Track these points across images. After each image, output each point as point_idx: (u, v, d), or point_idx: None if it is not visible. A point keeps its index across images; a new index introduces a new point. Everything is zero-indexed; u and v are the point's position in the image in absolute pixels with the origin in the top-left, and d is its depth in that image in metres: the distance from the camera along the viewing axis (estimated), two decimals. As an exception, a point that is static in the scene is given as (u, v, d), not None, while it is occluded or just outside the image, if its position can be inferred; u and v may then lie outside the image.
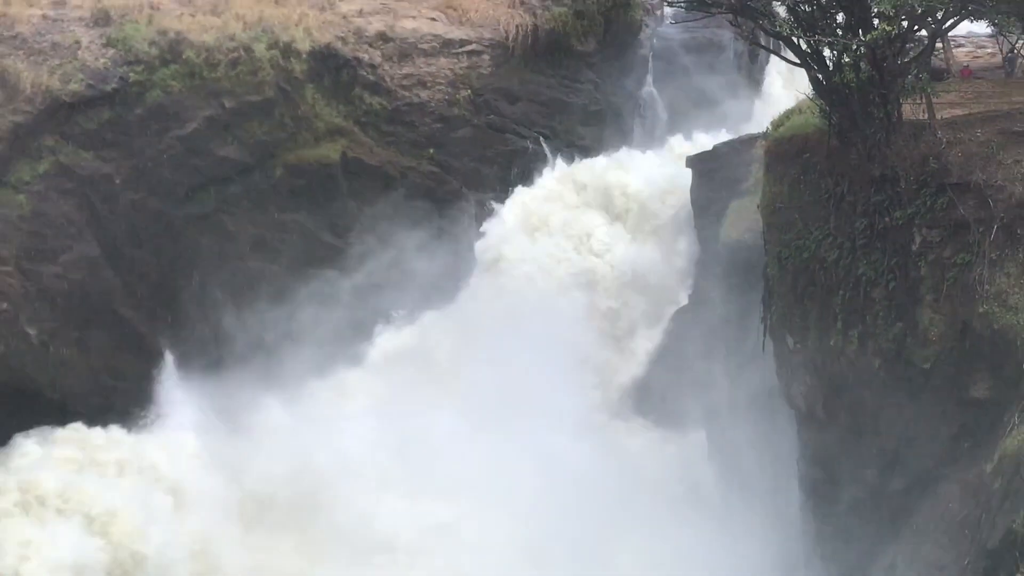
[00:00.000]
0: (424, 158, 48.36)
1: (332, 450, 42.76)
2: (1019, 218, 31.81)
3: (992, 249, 32.41)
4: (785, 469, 39.90)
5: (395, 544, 41.79)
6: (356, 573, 41.20)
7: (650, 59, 52.80)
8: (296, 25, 46.11)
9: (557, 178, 50.41)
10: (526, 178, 50.06)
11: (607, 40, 52.08)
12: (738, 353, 42.38)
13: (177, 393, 43.68)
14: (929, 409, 33.77)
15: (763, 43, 39.07)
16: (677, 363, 45.59)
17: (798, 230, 36.93)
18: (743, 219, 42.96)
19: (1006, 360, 30.65)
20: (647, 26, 53.43)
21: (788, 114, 39.77)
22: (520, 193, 49.91)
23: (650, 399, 46.50)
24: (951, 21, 34.28)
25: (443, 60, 48.25)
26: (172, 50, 43.98)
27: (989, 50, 44.59)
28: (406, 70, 47.71)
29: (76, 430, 41.68)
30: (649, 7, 53.49)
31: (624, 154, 51.49)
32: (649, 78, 52.48)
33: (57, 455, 41.00)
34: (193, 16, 44.63)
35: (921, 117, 33.97)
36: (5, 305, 40.40)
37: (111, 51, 43.18)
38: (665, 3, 50.47)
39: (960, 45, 44.21)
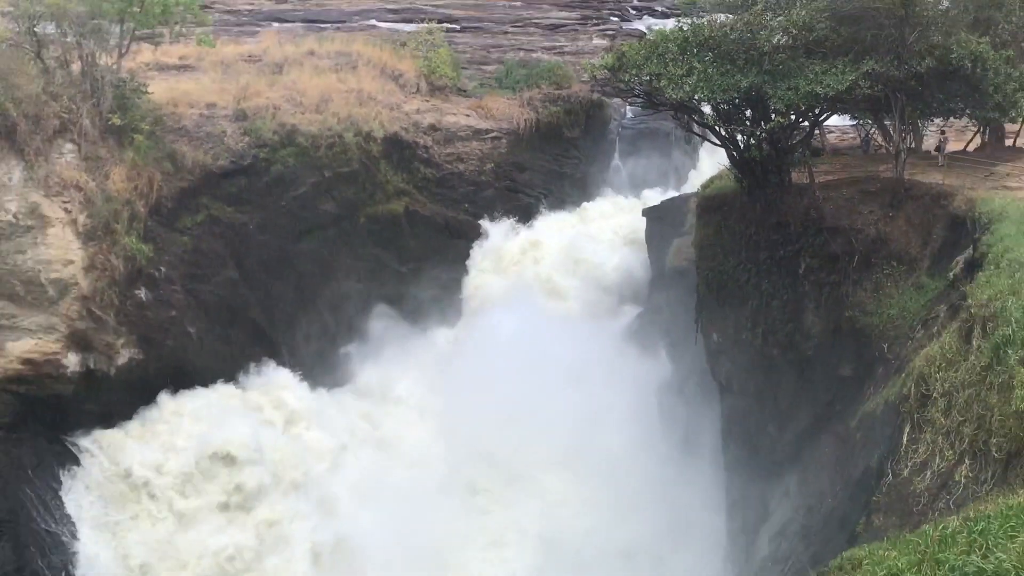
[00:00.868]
0: (462, 210, 49.98)
1: None
2: (873, 251, 32.92)
3: (854, 273, 33.77)
4: (711, 425, 40.16)
5: None
6: None
7: (617, 141, 53.35)
8: (374, 119, 47.53)
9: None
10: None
11: (587, 128, 53.09)
12: (680, 344, 43.60)
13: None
14: (811, 383, 35.26)
15: (695, 131, 39.15)
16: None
17: (720, 259, 37.99)
18: (682, 252, 44.41)
19: (865, 349, 32.12)
20: (614, 119, 53.90)
21: (713, 179, 41.15)
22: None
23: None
24: (825, 115, 34.86)
25: (474, 143, 49.52)
26: (288, 137, 45.39)
27: (851, 135, 44.71)
28: (449, 150, 49.15)
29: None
30: (615, 106, 53.59)
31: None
32: (616, 155, 52.97)
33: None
34: (303, 114, 46.18)
35: (805, 181, 34.69)
36: (174, 312, 41.65)
37: (247, 138, 44.56)
38: (627, 103, 50.47)
39: (831, 131, 44.40)
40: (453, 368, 45.86)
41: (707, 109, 35.51)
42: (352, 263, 46.34)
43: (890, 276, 32.54)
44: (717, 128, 35.83)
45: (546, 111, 51.48)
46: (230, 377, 42.74)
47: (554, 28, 66.90)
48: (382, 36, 57.53)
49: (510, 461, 42.92)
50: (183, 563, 38.12)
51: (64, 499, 37.34)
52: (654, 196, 50.10)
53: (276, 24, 61.96)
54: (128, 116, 39.10)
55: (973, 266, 27.04)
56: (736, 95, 33.22)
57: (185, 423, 40.54)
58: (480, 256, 49.50)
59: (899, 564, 13.55)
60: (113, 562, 37.18)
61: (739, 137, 35.60)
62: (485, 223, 49.73)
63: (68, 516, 37.10)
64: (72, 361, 37.85)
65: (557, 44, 62.22)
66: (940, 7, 34.27)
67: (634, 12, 73.89)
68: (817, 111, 34.75)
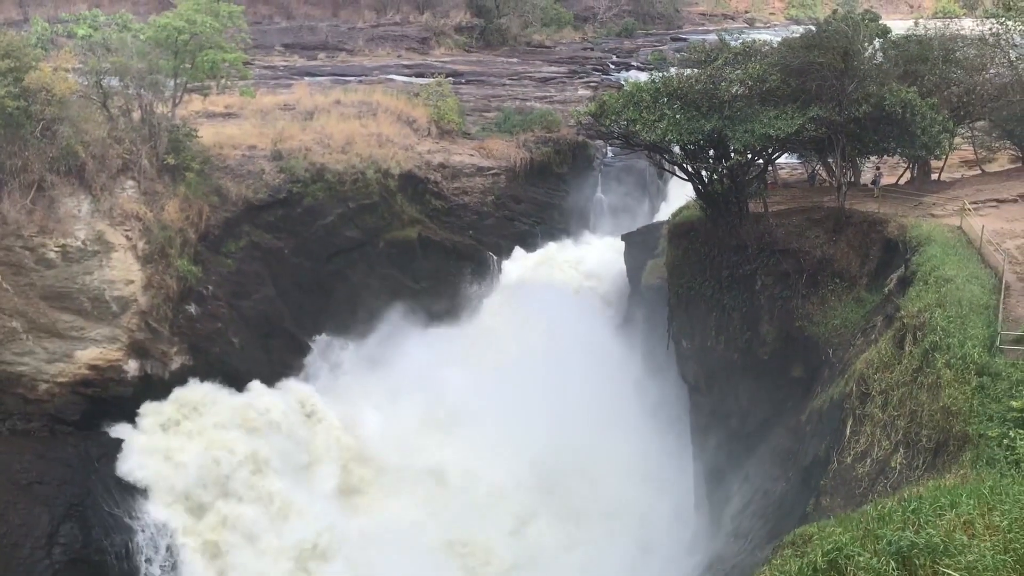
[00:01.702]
0: (467, 236, 49.74)
1: None
2: (819, 270, 32.82)
3: (803, 288, 33.72)
4: (681, 420, 39.59)
5: None
6: None
7: (599, 177, 53.28)
8: (391, 159, 47.64)
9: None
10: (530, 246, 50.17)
11: (574, 166, 53.49)
12: (654, 350, 43.00)
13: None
14: (767, 383, 35.01)
15: (666, 168, 39.05)
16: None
17: (688, 278, 37.85)
18: (656, 271, 44.39)
19: (813, 354, 31.90)
20: (597, 158, 53.96)
21: (681, 209, 41.14)
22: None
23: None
24: (777, 154, 34.80)
25: (478, 179, 49.72)
26: (318, 174, 45.40)
27: (799, 170, 44.66)
28: (456, 184, 49.34)
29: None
30: (598, 147, 53.63)
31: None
32: (599, 188, 52.91)
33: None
34: (331, 154, 46.27)
35: (760, 210, 34.54)
36: (219, 324, 41.81)
37: (282, 175, 44.67)
38: (607, 145, 50.48)
39: (782, 168, 44.40)
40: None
41: (676, 149, 35.51)
42: (373, 281, 46.09)
43: (834, 291, 32.58)
44: (685, 165, 35.96)
45: (538, 151, 51.58)
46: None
47: (545, 81, 67.08)
48: (398, 88, 57.69)
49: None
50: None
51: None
52: (632, 224, 50.15)
53: (308, 78, 62.07)
54: (181, 156, 39.39)
55: (905, 282, 27.27)
56: (701, 137, 33.29)
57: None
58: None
59: (843, 539, 13.56)
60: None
61: (703, 173, 35.70)
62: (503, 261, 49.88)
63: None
64: (132, 367, 38.04)
65: (548, 94, 62.37)
66: (875, 61, 34.46)
67: (613, 67, 74.25)
68: (770, 150, 34.84)
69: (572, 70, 71.52)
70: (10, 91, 33.45)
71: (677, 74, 34.42)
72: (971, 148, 43.83)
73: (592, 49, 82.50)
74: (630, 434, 42.17)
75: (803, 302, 33.50)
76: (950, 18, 47.01)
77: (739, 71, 33.16)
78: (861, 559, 12.72)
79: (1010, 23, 37.15)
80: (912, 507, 14.11)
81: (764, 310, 35.22)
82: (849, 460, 23.50)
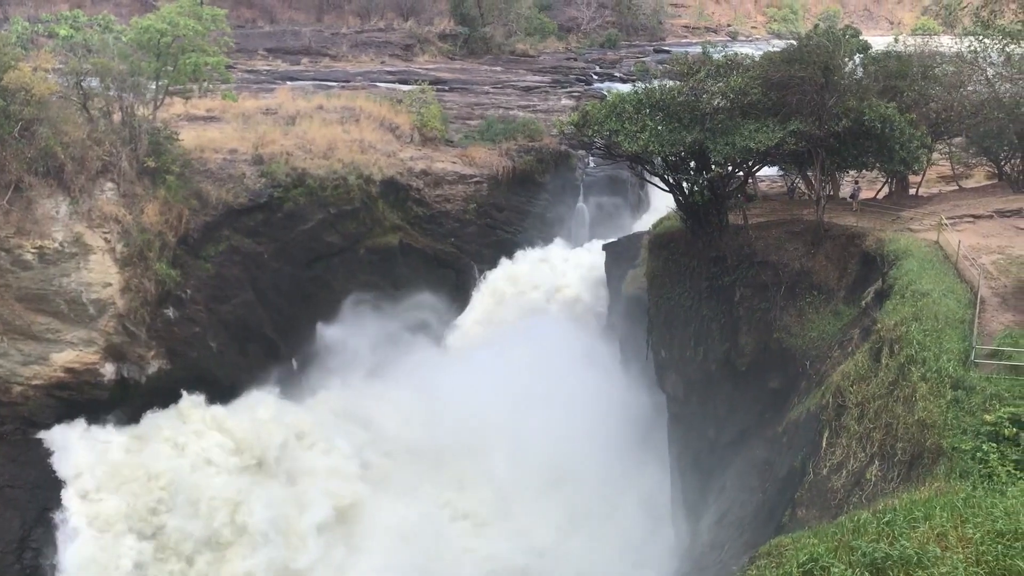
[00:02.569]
0: (448, 244, 49.78)
1: None
2: (797, 282, 32.99)
3: (781, 300, 33.82)
4: (660, 429, 39.59)
5: None
6: None
7: (581, 187, 53.27)
8: (373, 165, 47.44)
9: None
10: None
11: (556, 175, 53.10)
12: (633, 359, 42.75)
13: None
14: (744, 394, 35.02)
15: (647, 178, 39.15)
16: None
17: (668, 288, 37.88)
18: (636, 281, 44.45)
19: (790, 366, 32.03)
20: (579, 168, 53.88)
21: (662, 220, 41.21)
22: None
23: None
24: (757, 166, 34.99)
25: (460, 186, 49.50)
26: (299, 179, 45.10)
27: (778, 183, 44.89)
28: (438, 192, 49.17)
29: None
30: (579, 157, 53.70)
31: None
32: (580, 198, 52.92)
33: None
34: (312, 159, 45.98)
35: (740, 222, 34.65)
36: (198, 329, 41.51)
37: (263, 179, 44.34)
38: (589, 154, 50.55)
39: (762, 180, 44.65)
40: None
41: (658, 160, 35.60)
42: (353, 287, 45.91)
43: (812, 304, 32.67)
44: (666, 176, 36.02)
45: (521, 160, 51.48)
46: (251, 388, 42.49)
47: (528, 90, 67.24)
48: (381, 94, 57.57)
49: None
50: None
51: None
52: (612, 234, 50.15)
53: (290, 82, 61.94)
54: (161, 159, 39.12)
55: (882, 296, 27.42)
56: (682, 149, 33.42)
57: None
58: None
59: (819, 550, 13.62)
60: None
61: (684, 184, 35.76)
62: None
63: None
64: (108, 370, 37.68)
65: (531, 103, 62.49)
66: (855, 77, 34.74)
67: (596, 77, 74.52)
68: (750, 163, 34.96)
69: (555, 80, 71.78)
70: (-11, 90, 33.24)
71: (660, 86, 34.53)
72: (948, 164, 44.30)
73: (575, 59, 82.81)
74: (608, 443, 42.05)
75: (781, 314, 33.57)
76: (929, 35, 47.55)
77: (721, 84, 33.24)
78: (836, 570, 12.75)
79: (987, 41, 37.59)
80: (887, 519, 14.19)
81: (743, 321, 35.29)
82: (825, 472, 23.56)
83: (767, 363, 34.06)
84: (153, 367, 38.98)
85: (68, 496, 36.23)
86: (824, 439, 24.71)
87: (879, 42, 41.55)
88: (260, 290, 43.23)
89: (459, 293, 49.38)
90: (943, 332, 22.19)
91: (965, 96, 38.27)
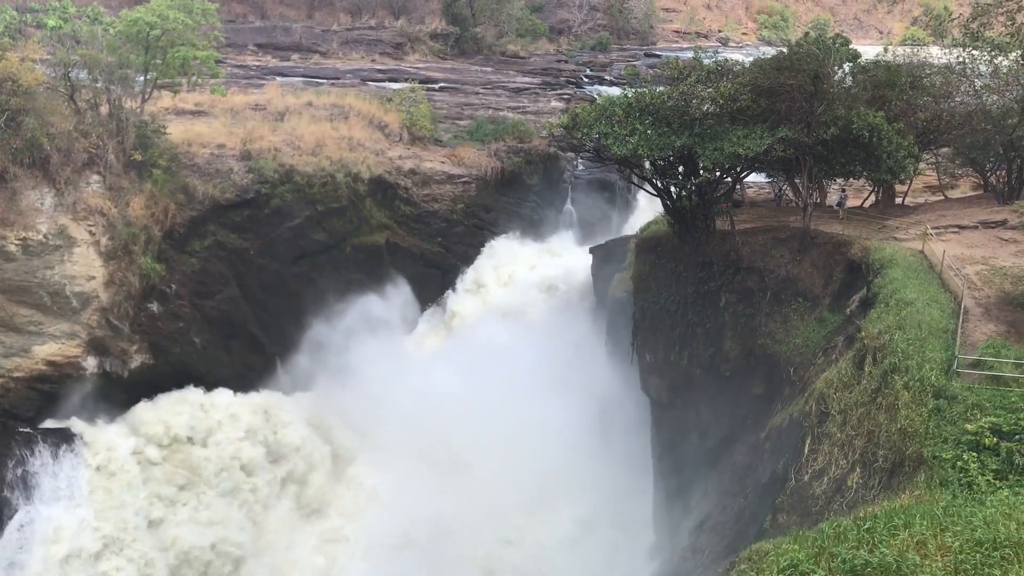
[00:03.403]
0: (435, 243, 49.64)
1: None
2: (783, 289, 33.01)
3: (767, 306, 33.87)
4: (643, 432, 39.66)
5: None
6: None
7: (569, 189, 53.39)
8: (362, 163, 47.19)
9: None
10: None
11: (544, 177, 53.34)
12: (617, 363, 43.13)
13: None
14: (728, 399, 34.98)
15: (635, 182, 39.28)
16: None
17: (654, 292, 37.87)
18: (622, 284, 44.43)
19: (774, 372, 32.02)
20: (567, 170, 53.98)
21: (649, 224, 41.20)
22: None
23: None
24: (745, 173, 35.07)
25: (448, 186, 49.33)
26: (287, 176, 44.83)
27: (766, 190, 45.01)
28: (426, 191, 49.01)
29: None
30: (568, 159, 53.70)
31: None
32: (568, 200, 52.90)
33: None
34: (301, 156, 45.72)
35: (727, 228, 34.71)
36: (181, 324, 41.27)
37: (251, 175, 44.04)
38: (578, 157, 50.57)
39: (750, 186, 44.82)
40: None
41: (646, 164, 35.67)
42: (339, 285, 45.60)
43: (797, 310, 32.81)
44: (654, 180, 36.10)
45: (510, 161, 51.48)
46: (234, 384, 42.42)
47: (518, 91, 67.15)
48: (371, 92, 57.36)
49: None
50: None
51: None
52: (599, 237, 50.21)
53: (280, 78, 61.59)
54: (148, 153, 38.90)
55: (867, 304, 27.60)
56: (671, 153, 33.52)
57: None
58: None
59: (799, 556, 13.68)
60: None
61: (672, 189, 35.88)
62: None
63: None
64: (91, 364, 37.48)
65: (521, 104, 62.38)
66: (844, 85, 34.89)
67: (587, 80, 74.51)
68: (738, 169, 35.07)
69: (545, 81, 71.67)
70: (-26, 80, 32.97)
71: (649, 90, 34.58)
72: (935, 174, 44.55)
73: (566, 61, 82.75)
74: (591, 446, 42.05)
75: (766, 320, 33.70)
76: (918, 45, 47.76)
77: (711, 89, 33.36)
78: (816, 576, 12.85)
79: (976, 52, 37.82)
80: (867, 526, 14.28)
81: (728, 327, 35.40)
82: (807, 478, 23.66)
83: (751, 369, 34.15)
84: (136, 362, 38.78)
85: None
86: (806, 446, 24.82)
87: (869, 51, 41.70)
88: (245, 286, 42.98)
89: (443, 292, 49.24)
90: (926, 341, 22.38)
91: (953, 107, 38.52)
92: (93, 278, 36.39)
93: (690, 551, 31.64)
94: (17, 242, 34.52)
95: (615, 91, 47.49)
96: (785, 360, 31.69)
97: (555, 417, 42.60)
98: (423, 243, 48.53)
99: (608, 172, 50.83)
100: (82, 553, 35.55)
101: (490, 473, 41.49)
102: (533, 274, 49.79)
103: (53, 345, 36.37)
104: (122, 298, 37.47)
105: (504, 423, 41.45)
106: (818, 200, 37.93)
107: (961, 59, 38.61)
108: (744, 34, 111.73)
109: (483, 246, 50.19)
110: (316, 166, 45.05)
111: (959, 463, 17.51)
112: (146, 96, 40.29)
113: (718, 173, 34.49)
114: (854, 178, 37.47)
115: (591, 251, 48.11)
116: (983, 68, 38.42)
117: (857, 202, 40.23)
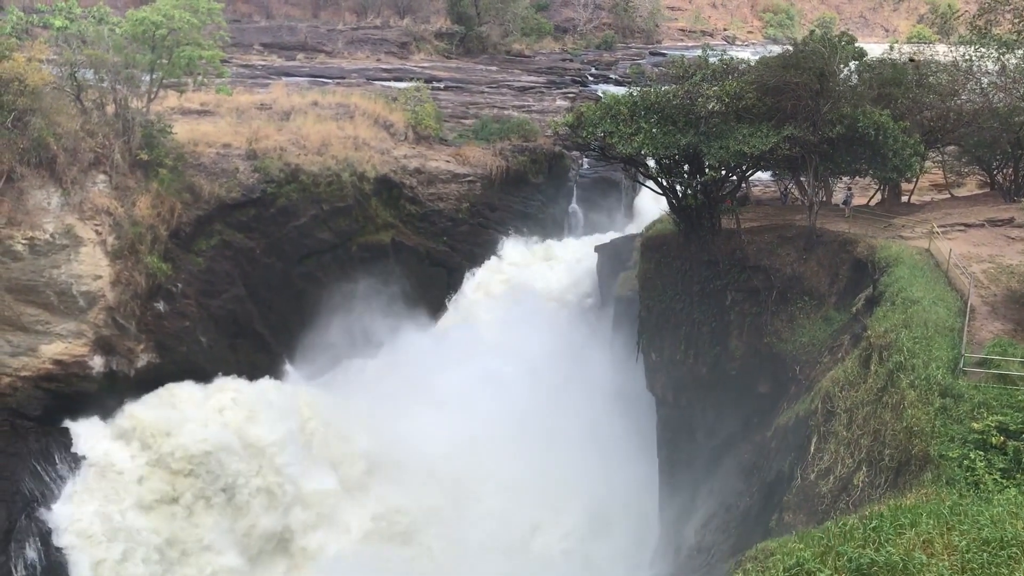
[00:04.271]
0: (441, 242, 49.53)
1: None
2: (789, 287, 33.00)
3: (773, 305, 33.84)
4: (649, 431, 39.71)
5: None
6: None
7: (574, 188, 53.30)
8: (367, 162, 47.11)
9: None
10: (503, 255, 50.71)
11: (550, 176, 53.08)
12: (623, 362, 42.98)
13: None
14: (734, 398, 34.92)
15: (641, 181, 39.25)
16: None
17: (659, 291, 37.91)
18: (627, 283, 44.36)
19: (780, 370, 31.91)
20: (573, 169, 53.92)
21: (655, 223, 41.22)
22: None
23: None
24: (751, 171, 35.08)
25: (453, 185, 49.30)
26: (293, 175, 44.77)
27: (772, 188, 45.04)
28: (431, 190, 48.92)
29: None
30: (573, 158, 53.73)
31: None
32: (574, 199, 52.88)
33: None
34: (306, 155, 45.60)
35: (732, 227, 34.73)
36: (187, 323, 41.11)
37: (257, 174, 43.94)
38: (583, 156, 50.61)
39: (755, 185, 44.79)
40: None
41: (651, 163, 35.66)
42: (344, 285, 45.58)
43: (803, 309, 32.78)
44: (660, 179, 36.07)
45: (515, 160, 51.22)
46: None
47: (523, 90, 67.21)
48: (376, 91, 57.44)
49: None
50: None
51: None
52: (605, 236, 50.16)
53: (285, 78, 61.70)
54: (154, 152, 38.89)
55: (873, 302, 27.56)
56: (676, 152, 33.47)
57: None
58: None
59: (805, 555, 13.66)
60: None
61: (678, 187, 35.83)
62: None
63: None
64: (97, 363, 37.45)
65: (526, 103, 62.43)
66: (850, 83, 34.83)
67: (591, 79, 74.57)
68: (744, 167, 35.01)
69: (550, 80, 71.76)
70: (-19, 80, 33.03)
71: (654, 88, 34.57)
72: (941, 172, 44.45)
73: (571, 60, 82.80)
74: (597, 445, 42.02)
75: (772, 319, 33.70)
76: (924, 43, 47.63)
77: (716, 88, 33.32)
78: (822, 575, 12.83)
79: (983, 50, 37.71)
80: (873, 525, 14.24)
81: (733, 325, 35.39)
82: (813, 477, 23.65)
83: (757, 368, 34.16)
84: (142, 360, 38.71)
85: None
86: (812, 444, 24.82)
87: (874, 49, 41.61)
88: (251, 285, 42.91)
89: (449, 292, 49.17)
90: (932, 340, 22.35)
91: (959, 105, 38.41)
92: (100, 277, 36.38)
93: (696, 550, 31.64)
94: (24, 242, 34.54)
95: (620, 90, 47.40)
96: (791, 359, 31.67)
97: (560, 416, 42.46)
98: (428, 242, 48.43)
99: (613, 171, 50.80)
100: (87, 551, 35.63)
101: (493, 472, 41.53)
102: (538, 273, 49.71)
103: (60, 344, 36.31)
104: (128, 297, 37.46)
105: (509, 422, 41.50)
106: (824, 198, 37.89)
107: (968, 57, 38.49)
108: (749, 32, 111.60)
109: (488, 245, 50.12)
110: (322, 165, 44.96)
111: (966, 462, 17.48)
112: (152, 96, 40.31)
113: (723, 172, 34.45)
114: (860, 176, 37.39)
115: (596, 250, 48.09)
116: (990, 66, 38.32)
117: (863, 201, 40.16)
